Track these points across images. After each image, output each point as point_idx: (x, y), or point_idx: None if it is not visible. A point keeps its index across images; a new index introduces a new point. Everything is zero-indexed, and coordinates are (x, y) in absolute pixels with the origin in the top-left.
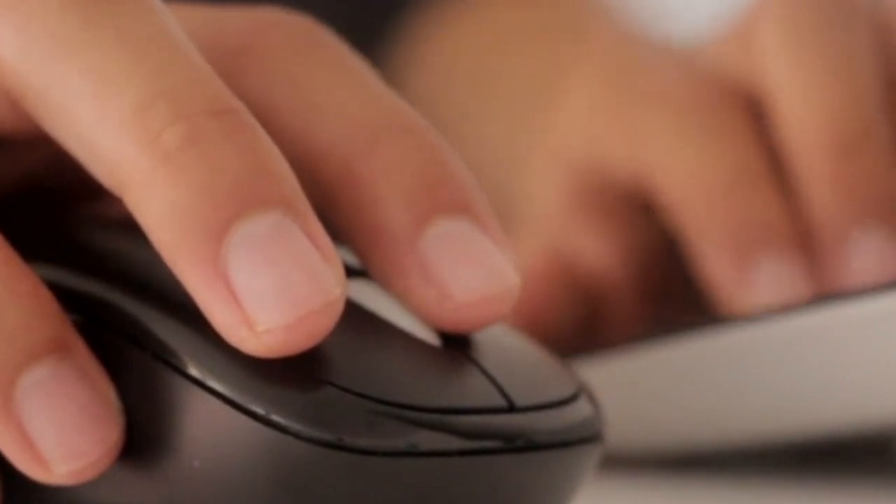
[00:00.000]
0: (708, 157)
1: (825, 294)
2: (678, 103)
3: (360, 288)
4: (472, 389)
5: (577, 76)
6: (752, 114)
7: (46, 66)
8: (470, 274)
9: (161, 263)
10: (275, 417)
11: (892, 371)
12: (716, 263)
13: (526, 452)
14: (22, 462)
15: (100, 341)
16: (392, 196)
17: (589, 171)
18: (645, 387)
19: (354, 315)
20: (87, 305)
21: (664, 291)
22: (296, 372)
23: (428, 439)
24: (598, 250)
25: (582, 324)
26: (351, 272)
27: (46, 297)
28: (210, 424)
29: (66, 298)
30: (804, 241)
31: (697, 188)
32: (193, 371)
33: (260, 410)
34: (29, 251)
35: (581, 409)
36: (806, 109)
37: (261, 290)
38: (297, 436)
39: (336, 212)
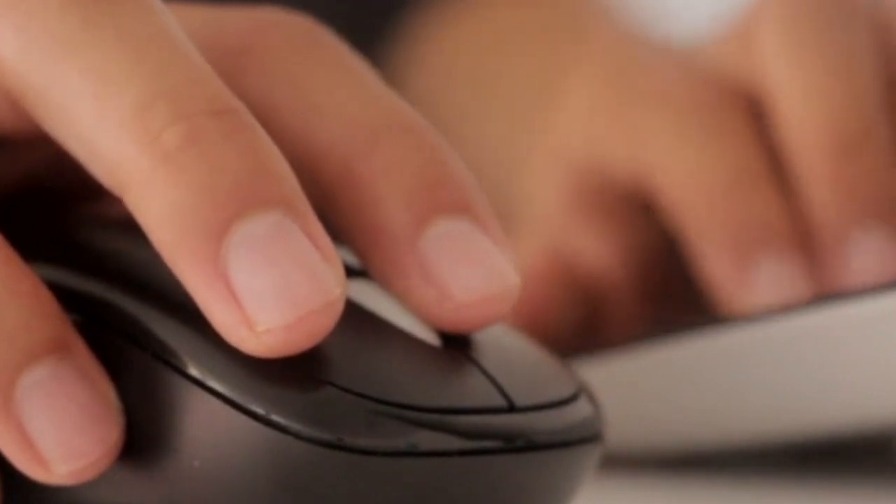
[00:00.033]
0: (708, 157)
1: (825, 294)
2: (678, 103)
3: (360, 288)
4: (472, 389)
5: (577, 76)
6: (752, 114)
7: (46, 66)
8: (470, 274)
9: (161, 263)
10: (275, 417)
11: (892, 371)
12: (716, 263)
13: (526, 452)
14: (22, 462)
15: (100, 341)
16: (392, 196)
17: (589, 171)
18: (645, 387)
19: (354, 315)
20: (87, 305)
21: (664, 291)
22: (296, 372)
23: (428, 439)
24: (598, 250)
25: (582, 324)
26: (351, 272)
27: (46, 297)
28: (210, 424)
29: (66, 298)
30: (804, 241)
31: (697, 188)
32: (193, 371)
33: (260, 410)
34: (29, 251)
35: (581, 409)
36: (806, 109)
37: (261, 290)
38: (297, 436)
39: (336, 212)
